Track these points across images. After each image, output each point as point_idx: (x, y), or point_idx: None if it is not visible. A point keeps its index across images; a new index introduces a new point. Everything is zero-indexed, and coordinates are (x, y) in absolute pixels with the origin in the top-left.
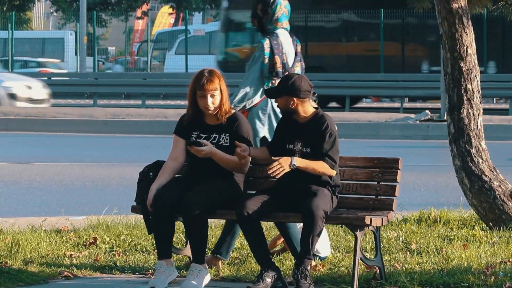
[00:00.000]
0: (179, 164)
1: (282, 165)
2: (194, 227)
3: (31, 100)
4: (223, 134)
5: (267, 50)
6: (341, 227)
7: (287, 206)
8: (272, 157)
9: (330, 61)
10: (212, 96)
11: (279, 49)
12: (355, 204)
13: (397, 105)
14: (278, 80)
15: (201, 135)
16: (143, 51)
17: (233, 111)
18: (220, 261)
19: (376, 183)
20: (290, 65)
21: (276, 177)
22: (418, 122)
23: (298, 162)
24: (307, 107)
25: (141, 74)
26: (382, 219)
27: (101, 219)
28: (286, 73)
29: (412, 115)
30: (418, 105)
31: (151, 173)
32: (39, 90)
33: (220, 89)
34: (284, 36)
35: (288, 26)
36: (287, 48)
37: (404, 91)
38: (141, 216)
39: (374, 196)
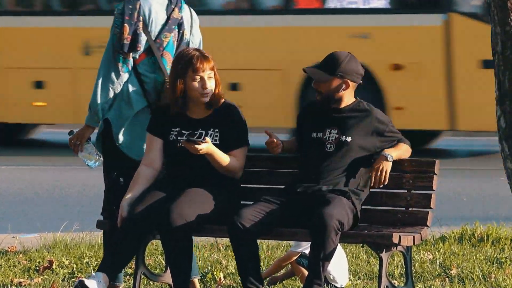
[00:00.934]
0: (155, 170)
1: (382, 166)
2: (176, 246)
3: None
4: (211, 129)
5: (118, 17)
6: (362, 247)
7: (293, 220)
8: (369, 172)
9: None
10: (210, 77)
11: (132, 15)
12: (379, 218)
13: None
14: (131, 55)
15: (183, 132)
16: None
17: (222, 100)
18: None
19: (406, 191)
20: (154, 35)
21: (382, 184)
22: None
23: (394, 154)
24: (351, 94)
25: None
26: (414, 237)
27: (58, 237)
28: (140, 46)
29: None
30: None
31: (122, 179)
32: None
33: (214, 71)
34: None
35: None
36: (150, 13)
37: None
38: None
39: (403, 208)
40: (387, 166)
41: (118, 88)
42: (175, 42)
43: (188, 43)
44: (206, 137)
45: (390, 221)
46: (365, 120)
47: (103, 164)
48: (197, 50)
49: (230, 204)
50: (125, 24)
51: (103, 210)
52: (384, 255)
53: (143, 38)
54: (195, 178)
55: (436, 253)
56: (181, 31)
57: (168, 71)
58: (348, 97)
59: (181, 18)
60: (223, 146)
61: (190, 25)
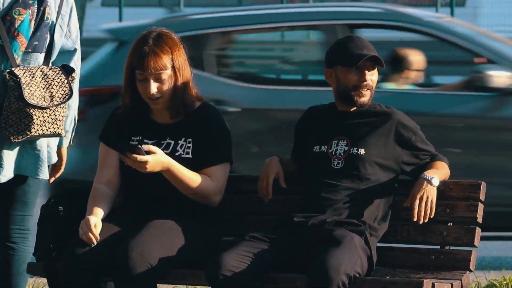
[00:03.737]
0: (114, 191)
1: (426, 193)
2: None
3: None
4: (183, 139)
5: None
6: None
7: (290, 263)
8: (407, 203)
9: None
10: (157, 79)
11: None
12: (406, 260)
13: None
14: None
15: (145, 141)
16: None
17: (199, 102)
18: None
19: (441, 224)
20: (2, 9)
21: (426, 219)
22: None
23: (438, 177)
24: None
25: None
26: (452, 284)
27: None
28: None
29: None
30: None
31: (61, 208)
32: None
33: (174, 67)
34: None
35: None
36: None
37: None
38: (44, 280)
39: (438, 247)
40: (432, 193)
41: None
42: (33, 21)
43: (52, 27)
44: (150, 146)
45: (421, 263)
46: (383, 126)
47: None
48: (156, 38)
49: (208, 241)
50: None
51: (36, 249)
52: None
53: None
54: (161, 206)
55: None
56: (42, 8)
57: (18, 58)
58: (370, 96)
59: None
60: (197, 162)
61: (59, 4)
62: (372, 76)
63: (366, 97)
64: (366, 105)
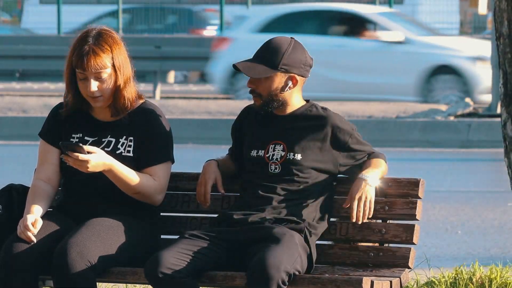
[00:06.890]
0: (53, 188)
1: (365, 194)
2: None
3: None
4: (124, 137)
5: None
6: None
7: (230, 261)
8: (345, 204)
9: None
10: (98, 78)
11: None
12: (345, 257)
13: None
14: None
15: (86, 138)
16: None
17: (141, 101)
18: None
19: (380, 221)
20: None
21: (365, 219)
22: (452, 118)
23: (376, 176)
24: (300, 95)
25: None
26: (391, 282)
27: None
28: None
29: (443, 107)
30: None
31: (0, 206)
32: None
33: (114, 66)
34: None
35: None
36: None
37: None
38: None
39: (377, 244)
40: (371, 193)
41: None
42: None
43: None
44: (89, 146)
45: (359, 261)
46: (319, 130)
47: None
48: (96, 36)
49: (147, 239)
50: None
51: None
52: None
53: None
54: (101, 204)
55: None
56: None
57: None
58: (295, 99)
59: None
60: (139, 160)
61: None
62: (255, 86)
63: (256, 102)
64: (257, 108)
